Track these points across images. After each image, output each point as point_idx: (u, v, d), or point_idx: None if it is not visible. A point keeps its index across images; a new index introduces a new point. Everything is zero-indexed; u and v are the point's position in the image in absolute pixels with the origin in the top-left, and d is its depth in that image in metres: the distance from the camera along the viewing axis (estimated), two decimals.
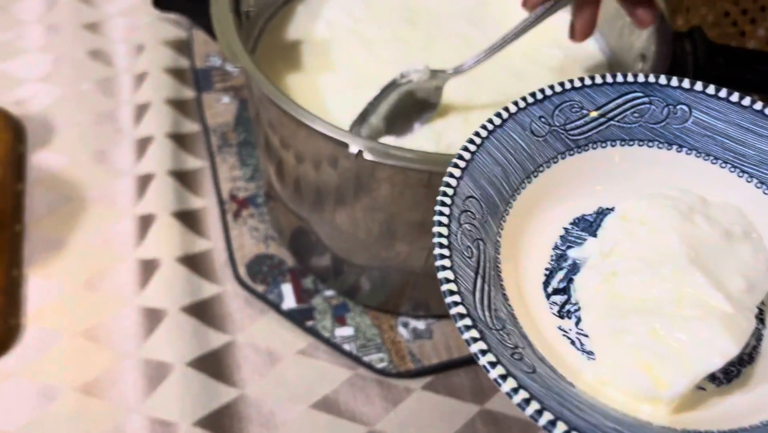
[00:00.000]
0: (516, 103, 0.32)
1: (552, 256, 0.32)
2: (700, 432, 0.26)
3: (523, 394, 0.24)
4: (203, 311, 0.54)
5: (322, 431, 0.49)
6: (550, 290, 0.31)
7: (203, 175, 0.63)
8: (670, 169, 0.33)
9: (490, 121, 0.32)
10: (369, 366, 0.52)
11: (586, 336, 0.30)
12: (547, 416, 0.24)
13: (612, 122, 0.33)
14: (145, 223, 0.59)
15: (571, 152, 0.33)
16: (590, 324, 0.30)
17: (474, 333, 0.26)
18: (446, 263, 0.27)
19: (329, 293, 0.56)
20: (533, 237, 0.32)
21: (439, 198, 0.29)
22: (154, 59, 0.71)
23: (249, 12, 0.46)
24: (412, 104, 0.47)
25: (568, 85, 0.33)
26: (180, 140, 0.65)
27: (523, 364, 0.26)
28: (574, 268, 0.31)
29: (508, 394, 0.24)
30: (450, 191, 0.29)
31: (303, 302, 0.55)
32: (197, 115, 0.67)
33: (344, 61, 0.52)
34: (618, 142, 0.33)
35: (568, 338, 0.29)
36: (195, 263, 0.57)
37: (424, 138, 0.46)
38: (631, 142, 0.33)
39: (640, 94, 0.33)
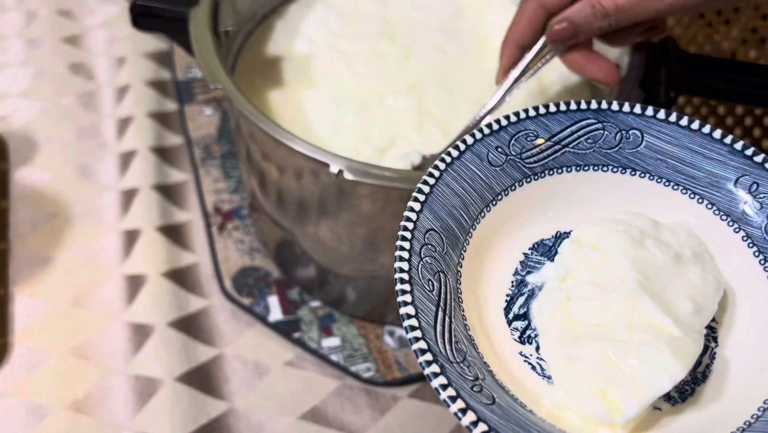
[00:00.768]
0: (473, 135, 0.33)
1: (512, 282, 0.32)
2: None
3: (482, 427, 0.25)
4: (190, 326, 0.55)
5: None
6: (511, 316, 0.31)
7: (187, 189, 0.63)
8: (625, 192, 0.34)
9: (448, 153, 0.32)
10: (356, 376, 0.53)
11: (546, 362, 0.30)
12: None
13: (567, 149, 0.34)
14: (131, 238, 0.59)
15: (528, 180, 0.34)
16: (547, 350, 0.30)
17: (435, 368, 0.26)
18: (407, 298, 0.28)
19: (315, 303, 0.56)
20: (494, 264, 0.33)
21: (399, 233, 0.29)
22: (135, 72, 0.72)
23: (228, 31, 0.46)
24: None
25: (522, 115, 0.34)
26: (163, 154, 0.66)
27: (482, 396, 0.26)
28: (533, 293, 0.32)
29: (467, 427, 0.25)
30: (410, 225, 0.30)
31: (289, 314, 0.56)
32: (180, 127, 0.68)
33: (324, 76, 0.52)
34: (573, 168, 0.34)
35: (529, 363, 0.30)
36: (181, 277, 0.57)
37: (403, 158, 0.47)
38: (586, 168, 0.34)
39: (593, 121, 0.34)
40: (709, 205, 0.33)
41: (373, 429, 0.51)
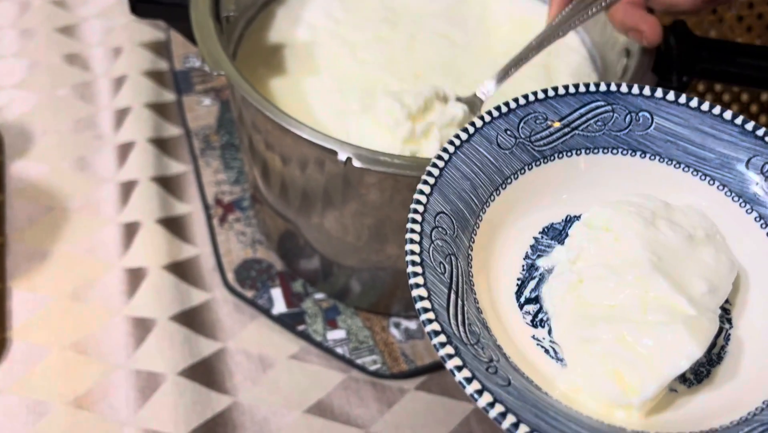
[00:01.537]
0: (482, 118, 0.33)
1: (523, 266, 0.32)
2: None
3: (499, 408, 0.25)
4: (193, 319, 0.54)
5: None
6: (522, 300, 0.31)
7: (187, 180, 0.62)
8: (635, 174, 0.34)
9: (457, 136, 0.32)
10: (362, 369, 0.52)
11: (559, 345, 0.30)
12: (523, 429, 0.25)
13: (576, 132, 0.34)
14: (130, 231, 0.58)
15: (538, 163, 0.33)
16: (560, 333, 0.30)
17: (449, 349, 0.26)
18: (419, 280, 0.28)
19: (319, 295, 0.55)
20: (504, 248, 0.32)
21: (410, 215, 0.29)
22: (132, 62, 0.70)
23: (229, 17, 0.45)
24: None
25: (531, 98, 0.33)
26: (162, 145, 0.64)
27: (497, 377, 0.26)
28: (544, 277, 0.32)
29: (484, 409, 0.25)
30: (420, 208, 0.30)
31: (293, 306, 0.55)
32: (178, 118, 0.66)
33: (327, 64, 0.51)
34: (583, 150, 0.34)
35: (542, 347, 0.30)
36: (182, 270, 0.56)
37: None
38: (596, 150, 0.34)
39: (602, 103, 0.34)
40: (721, 187, 0.33)
41: (380, 422, 0.50)
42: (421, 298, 0.27)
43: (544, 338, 0.30)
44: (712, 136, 0.33)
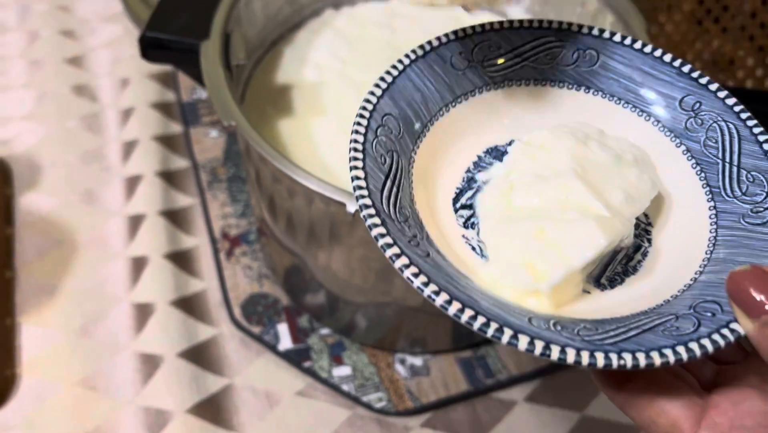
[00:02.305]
0: (438, 38, 0.35)
1: (463, 178, 0.35)
2: (565, 318, 0.29)
3: (412, 269, 0.27)
4: (200, 355, 0.54)
5: None
6: (458, 205, 0.33)
7: (194, 213, 0.63)
8: (578, 106, 0.36)
9: (413, 51, 0.34)
10: (368, 406, 0.52)
11: (484, 243, 0.33)
12: (431, 288, 0.27)
13: (526, 63, 0.36)
14: (138, 265, 0.59)
15: (488, 87, 0.36)
16: (486, 231, 0.32)
17: (375, 220, 0.28)
18: (359, 164, 0.30)
19: (325, 331, 0.56)
20: (447, 160, 0.35)
21: (358, 112, 0.32)
22: (139, 94, 0.71)
23: (239, 65, 0.46)
24: None
25: (488, 27, 0.36)
26: (169, 178, 0.65)
27: (418, 249, 0.29)
28: (481, 188, 0.34)
29: (399, 269, 0.27)
30: (369, 107, 0.32)
31: (299, 342, 0.55)
32: (186, 150, 0.67)
33: (334, 104, 0.52)
34: (531, 81, 0.36)
35: (470, 245, 0.32)
36: (189, 305, 0.57)
37: None
38: (543, 82, 0.37)
39: (553, 39, 0.36)
40: (655, 122, 0.35)
41: None
42: (358, 178, 0.30)
43: (472, 238, 0.32)
44: (652, 76, 0.36)
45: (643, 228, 0.34)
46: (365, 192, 0.29)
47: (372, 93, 0.33)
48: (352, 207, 0.37)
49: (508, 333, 0.26)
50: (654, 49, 0.36)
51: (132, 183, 0.64)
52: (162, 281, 0.58)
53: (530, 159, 0.34)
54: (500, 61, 0.36)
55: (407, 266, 0.27)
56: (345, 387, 0.53)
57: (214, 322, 0.57)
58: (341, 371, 0.54)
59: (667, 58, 0.35)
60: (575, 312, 0.30)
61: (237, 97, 0.44)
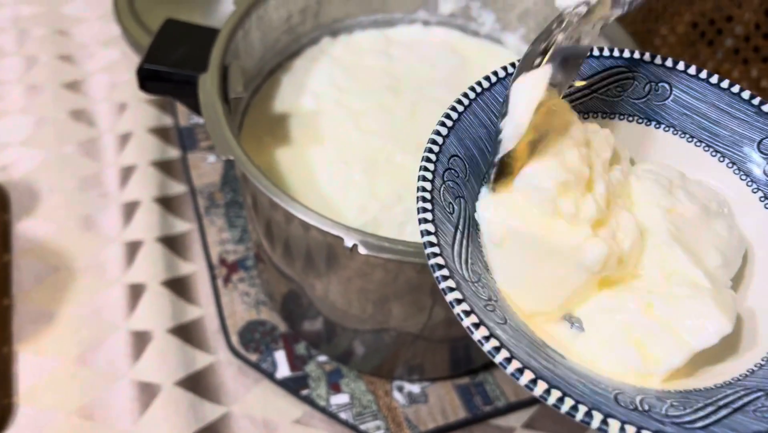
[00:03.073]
0: (504, 68, 0.33)
1: None
2: (651, 392, 0.27)
3: (493, 342, 0.25)
4: (197, 383, 0.54)
5: None
6: None
7: (192, 239, 0.63)
8: (649, 143, 0.34)
9: (479, 83, 0.32)
10: None
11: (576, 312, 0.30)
12: (515, 365, 0.25)
13: (596, 94, 0.34)
14: (136, 292, 0.59)
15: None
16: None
17: (450, 283, 0.26)
18: (428, 216, 0.28)
19: (322, 358, 0.56)
20: None
21: (424, 154, 0.30)
22: (137, 118, 0.71)
23: (237, 98, 0.46)
24: None
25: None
26: (167, 203, 0.65)
27: (494, 315, 0.27)
28: None
29: (479, 342, 0.25)
30: (436, 148, 0.30)
31: (297, 370, 0.55)
32: (183, 175, 0.67)
33: (331, 133, 0.52)
34: (600, 114, 0.34)
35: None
36: (187, 332, 0.57)
37: None
38: (612, 116, 0.34)
39: (624, 69, 0.34)
40: (730, 165, 0.33)
41: None
42: (429, 232, 0.27)
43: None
44: (728, 114, 0.33)
45: None
46: (437, 250, 0.27)
47: (437, 132, 0.31)
48: (349, 241, 0.37)
49: (598, 418, 0.24)
50: (731, 85, 0.33)
51: (130, 209, 0.64)
52: (159, 309, 0.58)
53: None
54: (569, 92, 0.34)
55: (487, 339, 0.25)
56: (343, 415, 0.53)
57: (212, 349, 0.56)
58: (339, 399, 0.54)
59: (746, 95, 0.33)
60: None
61: (235, 127, 0.45)
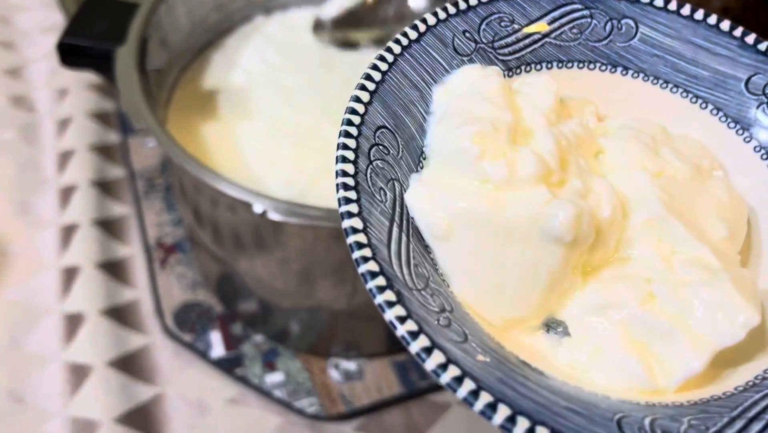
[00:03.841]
0: (435, 14, 0.27)
1: None
2: (661, 412, 0.21)
3: (452, 371, 0.19)
4: (131, 364, 0.54)
5: None
6: None
7: (129, 223, 0.62)
8: (615, 95, 0.29)
9: (405, 34, 0.26)
10: (300, 411, 0.52)
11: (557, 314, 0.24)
12: (484, 399, 0.19)
13: (547, 39, 0.29)
14: (70, 275, 0.58)
15: (508, 73, 0.28)
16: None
17: (389, 296, 0.21)
18: (352, 208, 0.22)
19: (259, 338, 0.56)
20: None
21: (342, 127, 0.23)
22: (77, 104, 0.71)
23: (159, 69, 0.46)
24: None
25: None
26: (105, 187, 0.64)
27: (451, 332, 0.21)
28: None
29: (434, 372, 0.20)
30: (356, 120, 0.24)
31: (232, 349, 0.55)
32: (123, 160, 0.67)
33: (261, 109, 0.52)
34: (555, 63, 0.29)
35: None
36: (121, 314, 0.56)
37: None
38: (570, 64, 0.29)
39: (579, 7, 0.29)
40: (715, 111, 0.28)
41: None
42: (355, 230, 0.21)
43: None
44: (707, 51, 0.28)
45: None
46: (368, 252, 0.21)
47: (357, 99, 0.24)
48: (258, 207, 0.37)
49: None
50: (707, 15, 0.28)
51: (67, 193, 0.64)
52: (93, 291, 0.57)
53: None
54: (515, 39, 0.28)
55: (443, 367, 0.20)
56: (277, 393, 0.53)
57: (147, 331, 0.56)
58: (274, 378, 0.54)
59: (725, 26, 0.28)
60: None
61: (160, 102, 0.44)
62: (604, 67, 0.29)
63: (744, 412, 0.21)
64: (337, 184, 0.22)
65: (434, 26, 0.27)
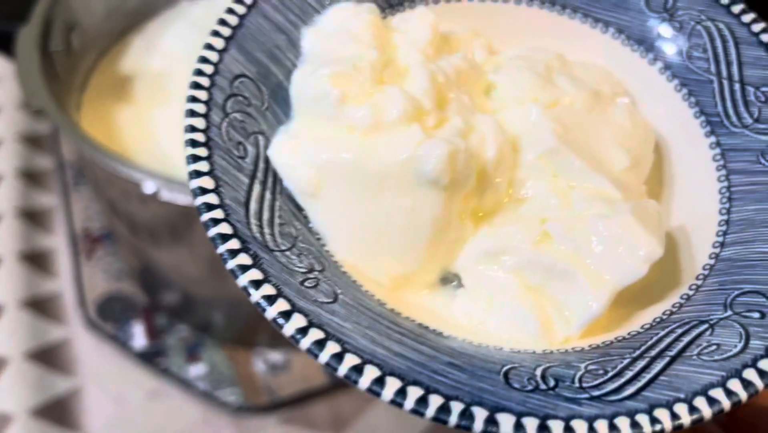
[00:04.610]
0: None
1: None
2: (557, 358, 0.20)
3: (315, 334, 0.18)
4: (50, 356, 0.52)
5: None
6: None
7: (56, 213, 0.61)
8: (510, 26, 0.26)
9: None
10: (221, 402, 0.51)
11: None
12: (349, 361, 0.17)
13: None
14: None
15: (383, 11, 0.25)
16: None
17: (243, 259, 0.19)
18: (201, 166, 0.20)
19: (184, 329, 0.54)
20: None
21: (192, 78, 0.22)
22: (7, 94, 0.69)
23: (67, 49, 0.44)
24: None
25: None
26: (33, 177, 0.63)
27: (317, 292, 0.19)
28: None
29: (293, 337, 0.18)
30: (208, 69, 0.22)
31: (155, 340, 0.53)
32: (53, 149, 0.65)
33: (178, 93, 0.50)
34: None
35: None
36: (42, 305, 0.55)
37: None
38: None
39: None
40: (617, 34, 0.26)
41: None
42: (204, 190, 0.20)
43: None
44: None
45: None
46: (219, 214, 0.19)
47: (209, 46, 0.22)
48: (150, 187, 0.36)
49: (480, 417, 0.17)
50: None
51: None
52: (14, 282, 0.56)
53: None
54: None
55: (303, 331, 0.18)
56: (200, 384, 0.51)
57: (68, 322, 0.55)
58: (197, 369, 0.52)
59: None
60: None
61: (73, 87, 0.43)
62: None
63: (647, 351, 0.19)
64: (185, 141, 0.20)
65: None
